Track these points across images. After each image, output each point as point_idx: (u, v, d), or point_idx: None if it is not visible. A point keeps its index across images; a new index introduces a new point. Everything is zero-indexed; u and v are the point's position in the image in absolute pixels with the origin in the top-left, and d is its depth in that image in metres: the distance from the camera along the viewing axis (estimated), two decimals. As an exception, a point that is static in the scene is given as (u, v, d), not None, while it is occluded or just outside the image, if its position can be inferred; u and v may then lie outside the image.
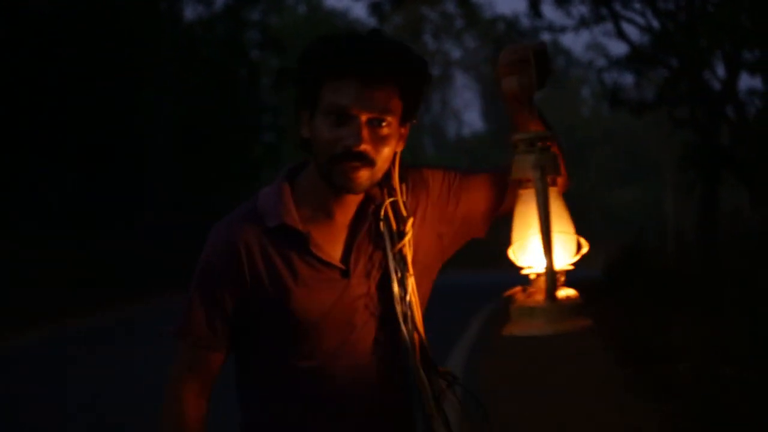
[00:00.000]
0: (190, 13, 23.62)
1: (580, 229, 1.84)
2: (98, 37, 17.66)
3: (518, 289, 1.84)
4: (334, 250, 1.96)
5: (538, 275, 1.82)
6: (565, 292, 1.80)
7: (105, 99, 18.11)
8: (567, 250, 1.82)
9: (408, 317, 1.95)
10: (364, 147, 1.85)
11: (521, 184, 1.85)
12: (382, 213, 1.98)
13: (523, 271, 1.84)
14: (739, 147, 13.08)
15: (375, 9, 18.06)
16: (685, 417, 6.37)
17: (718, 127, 13.50)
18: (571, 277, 1.84)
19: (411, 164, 2.04)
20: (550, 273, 1.76)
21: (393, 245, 1.96)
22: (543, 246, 1.76)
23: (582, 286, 1.84)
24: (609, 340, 9.65)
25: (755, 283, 8.78)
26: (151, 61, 19.58)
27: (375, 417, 1.98)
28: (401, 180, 2.00)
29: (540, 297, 1.79)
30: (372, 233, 1.97)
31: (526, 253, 1.83)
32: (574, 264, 1.84)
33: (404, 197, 1.99)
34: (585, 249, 1.85)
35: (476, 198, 2.04)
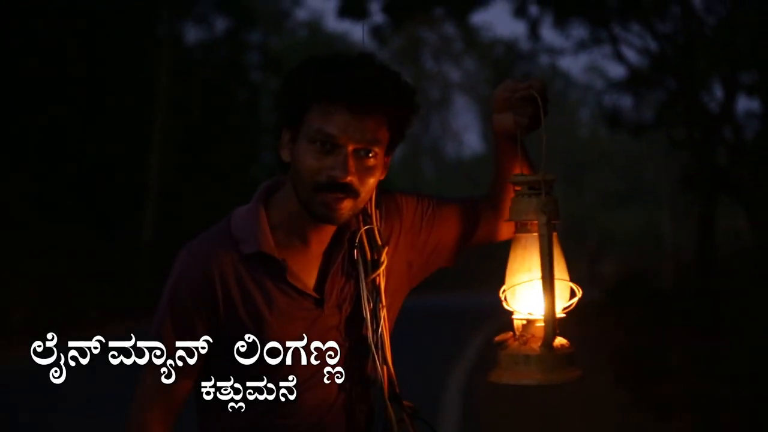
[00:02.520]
0: (191, 36, 23.73)
1: (579, 251, 1.82)
2: (96, 60, 17.73)
3: (509, 334, 1.79)
4: (308, 278, 1.89)
5: (530, 321, 1.75)
6: (559, 341, 1.74)
7: (102, 122, 18.15)
8: (562, 297, 1.77)
9: (379, 349, 1.89)
10: (350, 179, 1.78)
11: (518, 226, 1.78)
12: (357, 240, 1.91)
13: (515, 316, 1.78)
14: (736, 168, 13.15)
15: (375, 32, 18.15)
16: (684, 436, 6.42)
17: (716, 148, 13.57)
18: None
19: (385, 189, 1.98)
20: (551, 321, 1.70)
21: (366, 274, 1.90)
22: (545, 294, 1.70)
23: (581, 306, 1.86)
24: (608, 360, 9.69)
25: (753, 304, 8.83)
26: (149, 84, 19.64)
27: None
28: (376, 206, 1.94)
29: (535, 345, 1.72)
30: (346, 262, 1.91)
31: (521, 298, 1.77)
32: (566, 311, 1.78)
33: (379, 224, 1.93)
34: (579, 295, 1.79)
35: (448, 228, 2.00)
